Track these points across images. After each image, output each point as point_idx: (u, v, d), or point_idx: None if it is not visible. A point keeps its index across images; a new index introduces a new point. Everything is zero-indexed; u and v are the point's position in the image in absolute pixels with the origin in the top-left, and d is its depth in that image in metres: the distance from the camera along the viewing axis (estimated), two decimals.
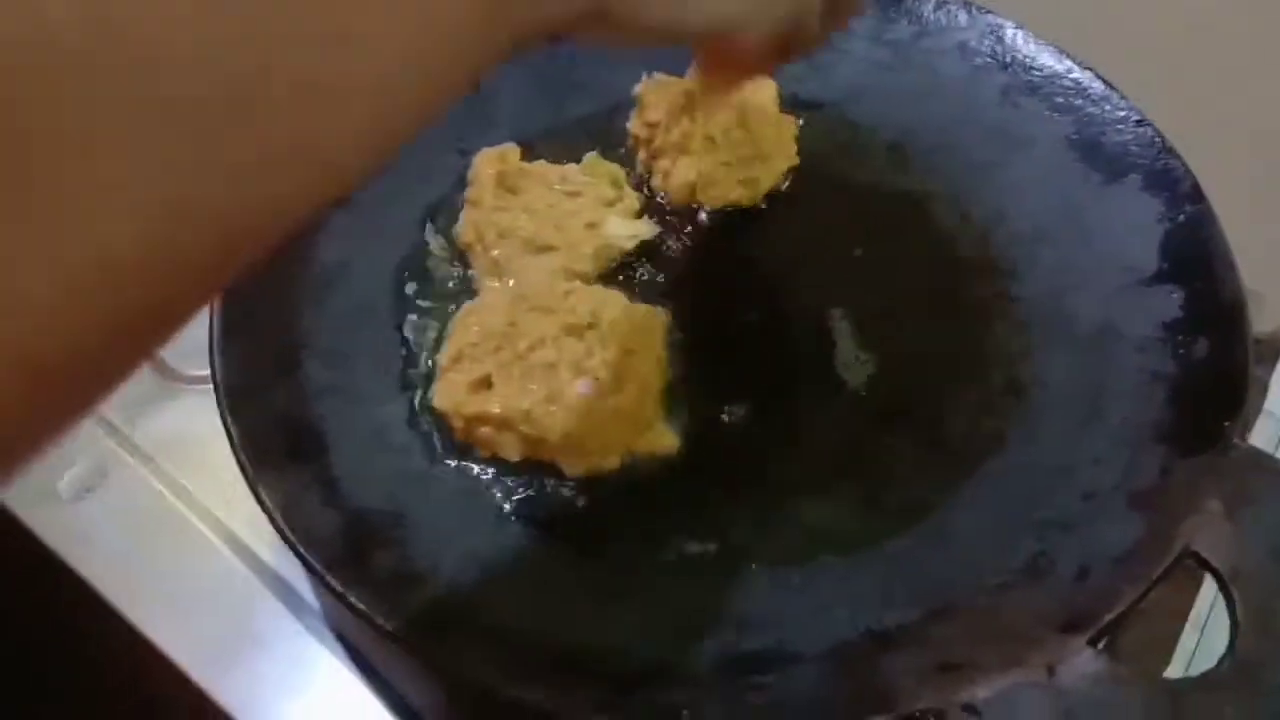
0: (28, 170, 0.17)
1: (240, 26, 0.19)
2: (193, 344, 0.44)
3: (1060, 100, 0.53)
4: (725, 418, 0.45)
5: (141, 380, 0.54)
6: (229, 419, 0.41)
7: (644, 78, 0.54)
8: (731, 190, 0.52)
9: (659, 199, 0.53)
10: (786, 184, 0.54)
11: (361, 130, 0.22)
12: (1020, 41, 0.55)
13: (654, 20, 0.29)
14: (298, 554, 0.38)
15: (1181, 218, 0.47)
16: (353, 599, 0.37)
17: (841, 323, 0.48)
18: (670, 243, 0.52)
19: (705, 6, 0.30)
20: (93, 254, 0.18)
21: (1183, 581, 0.55)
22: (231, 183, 0.20)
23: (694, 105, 0.52)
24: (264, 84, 0.20)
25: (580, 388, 0.44)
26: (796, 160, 0.54)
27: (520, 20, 0.25)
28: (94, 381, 0.21)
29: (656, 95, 0.53)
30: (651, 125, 0.53)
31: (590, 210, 0.51)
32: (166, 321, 0.21)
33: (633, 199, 0.53)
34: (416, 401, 0.46)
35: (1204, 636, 0.61)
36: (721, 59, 0.41)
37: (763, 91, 0.54)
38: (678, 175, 0.52)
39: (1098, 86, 0.53)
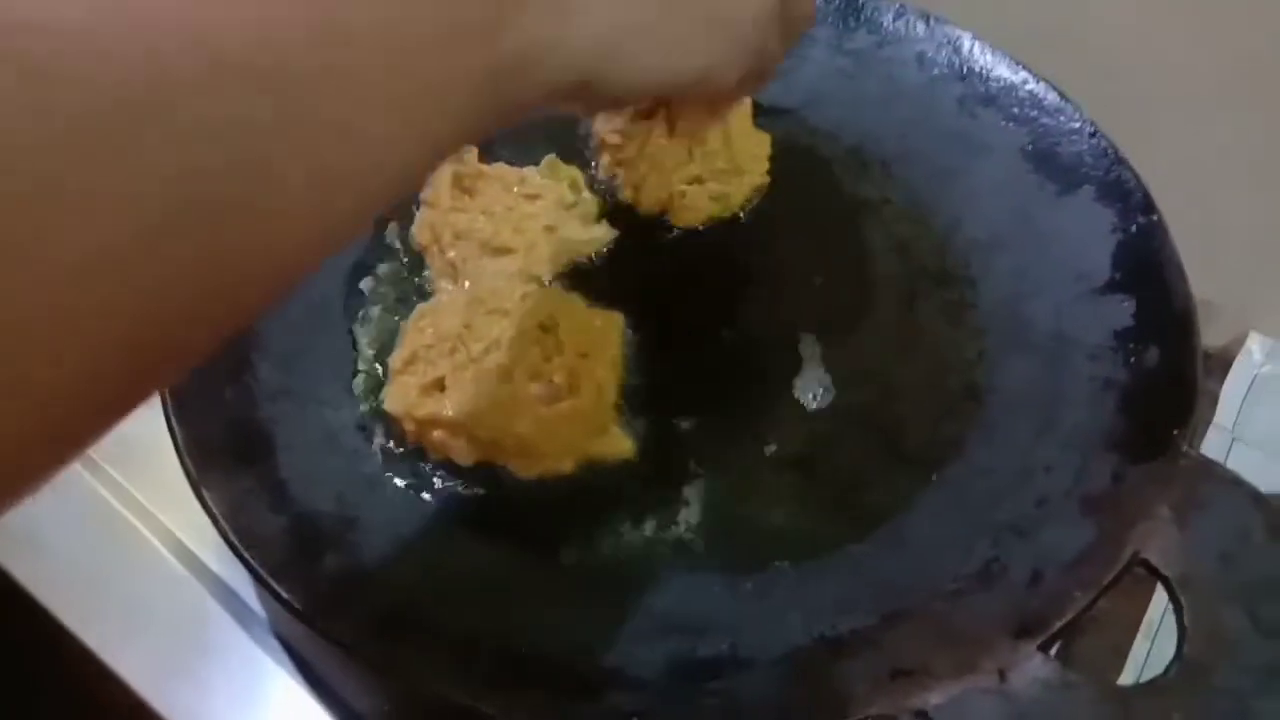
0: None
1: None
2: None
3: (1016, 111, 0.54)
4: (681, 423, 0.45)
5: None
6: (174, 422, 0.40)
7: None
8: (703, 208, 0.52)
9: (622, 204, 0.53)
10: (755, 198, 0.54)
11: (349, 208, 0.23)
12: (978, 52, 0.56)
13: (638, 86, 0.31)
14: (241, 558, 0.37)
15: (1134, 228, 0.48)
16: (298, 604, 0.36)
17: (804, 332, 0.48)
18: (630, 247, 0.51)
19: (682, 65, 0.32)
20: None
21: (1135, 591, 0.56)
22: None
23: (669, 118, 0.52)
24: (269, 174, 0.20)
25: (534, 391, 0.43)
26: (768, 178, 0.53)
27: (508, 102, 0.27)
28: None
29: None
30: (624, 135, 0.52)
31: (548, 213, 0.51)
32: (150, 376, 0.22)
33: (591, 203, 0.52)
34: (368, 405, 0.45)
35: (1155, 645, 0.62)
36: (697, 104, 0.43)
37: (740, 104, 0.54)
38: (649, 192, 0.52)
39: (1053, 98, 0.53)
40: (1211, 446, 0.72)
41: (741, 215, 0.53)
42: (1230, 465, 0.69)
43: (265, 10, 0.20)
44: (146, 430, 0.48)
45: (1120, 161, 0.50)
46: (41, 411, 0.19)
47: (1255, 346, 0.77)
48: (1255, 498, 0.39)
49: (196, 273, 0.20)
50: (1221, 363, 0.76)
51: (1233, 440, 0.73)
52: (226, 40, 0.19)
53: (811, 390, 0.46)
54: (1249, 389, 0.75)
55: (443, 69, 0.24)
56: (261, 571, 0.37)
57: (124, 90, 0.18)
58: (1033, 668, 0.34)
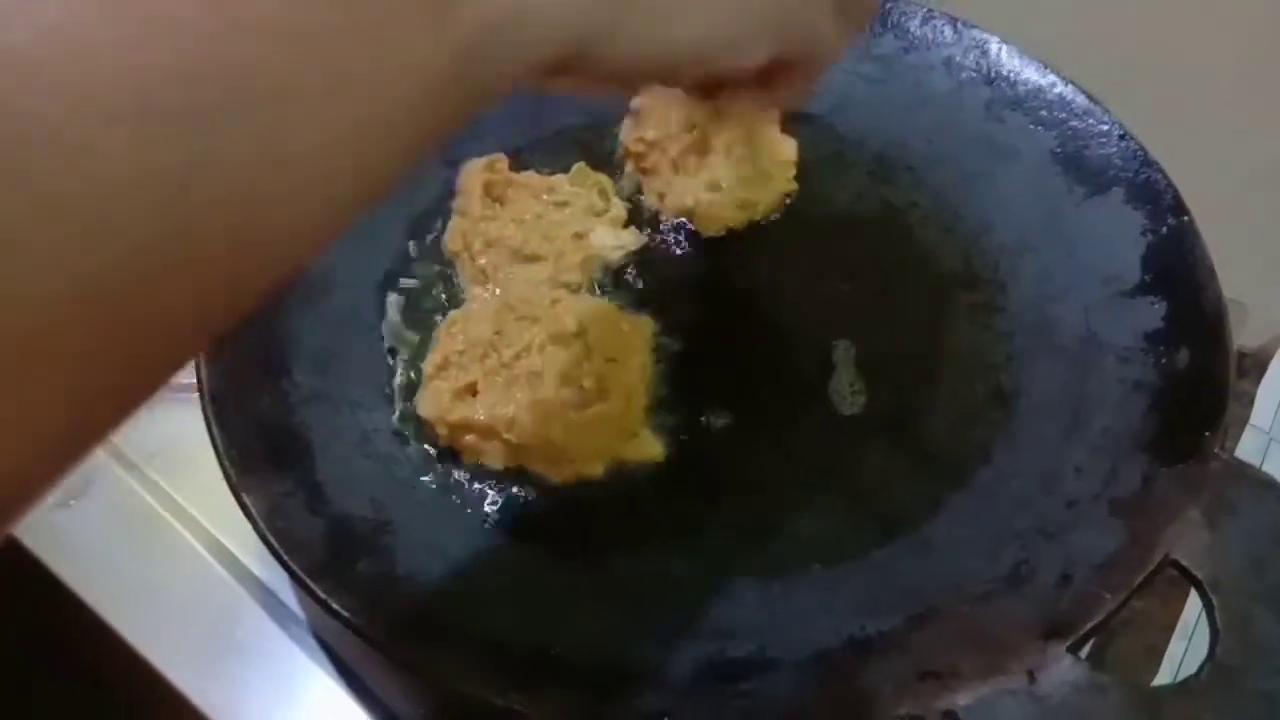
0: None
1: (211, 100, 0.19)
2: None
3: (1044, 114, 0.54)
4: (711, 428, 0.45)
5: None
6: (214, 426, 0.41)
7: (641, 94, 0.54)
8: (728, 216, 0.52)
9: (649, 211, 0.53)
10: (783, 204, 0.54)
11: (319, 201, 0.21)
12: (1005, 56, 0.56)
13: (631, 59, 0.27)
14: (281, 560, 0.38)
15: (1164, 230, 0.48)
16: (336, 605, 0.37)
17: (832, 337, 0.48)
18: (658, 253, 0.52)
19: (684, 35, 0.28)
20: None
21: (1170, 592, 0.55)
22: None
23: (696, 124, 0.52)
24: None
25: (564, 396, 0.44)
26: (795, 186, 0.54)
27: (484, 81, 0.24)
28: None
29: (657, 111, 0.53)
30: (648, 142, 0.53)
31: (578, 220, 0.51)
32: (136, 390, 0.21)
33: (620, 209, 0.53)
34: (402, 409, 0.46)
35: (1191, 645, 0.61)
36: (716, 93, 0.37)
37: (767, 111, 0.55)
38: (673, 199, 0.52)
39: (1081, 100, 0.53)
40: (1248, 448, 0.71)
41: (769, 221, 0.53)
42: (1268, 466, 0.69)
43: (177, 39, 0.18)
44: (187, 433, 0.49)
45: (1150, 163, 0.50)
46: None
47: None
48: None
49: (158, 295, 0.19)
50: (1258, 363, 0.75)
51: (1270, 441, 0.72)
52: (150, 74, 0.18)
53: (840, 395, 0.47)
54: None
55: (394, 56, 0.21)
56: (300, 573, 0.38)
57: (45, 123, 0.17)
58: (1062, 669, 0.34)
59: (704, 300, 0.50)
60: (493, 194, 0.52)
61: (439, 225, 0.52)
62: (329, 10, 0.20)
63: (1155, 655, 0.57)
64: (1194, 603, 0.54)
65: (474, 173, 0.52)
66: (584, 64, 0.26)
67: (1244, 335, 0.72)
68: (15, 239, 0.17)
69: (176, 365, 0.21)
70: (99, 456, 0.51)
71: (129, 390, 0.20)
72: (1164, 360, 0.44)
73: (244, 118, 0.19)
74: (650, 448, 0.44)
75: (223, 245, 0.20)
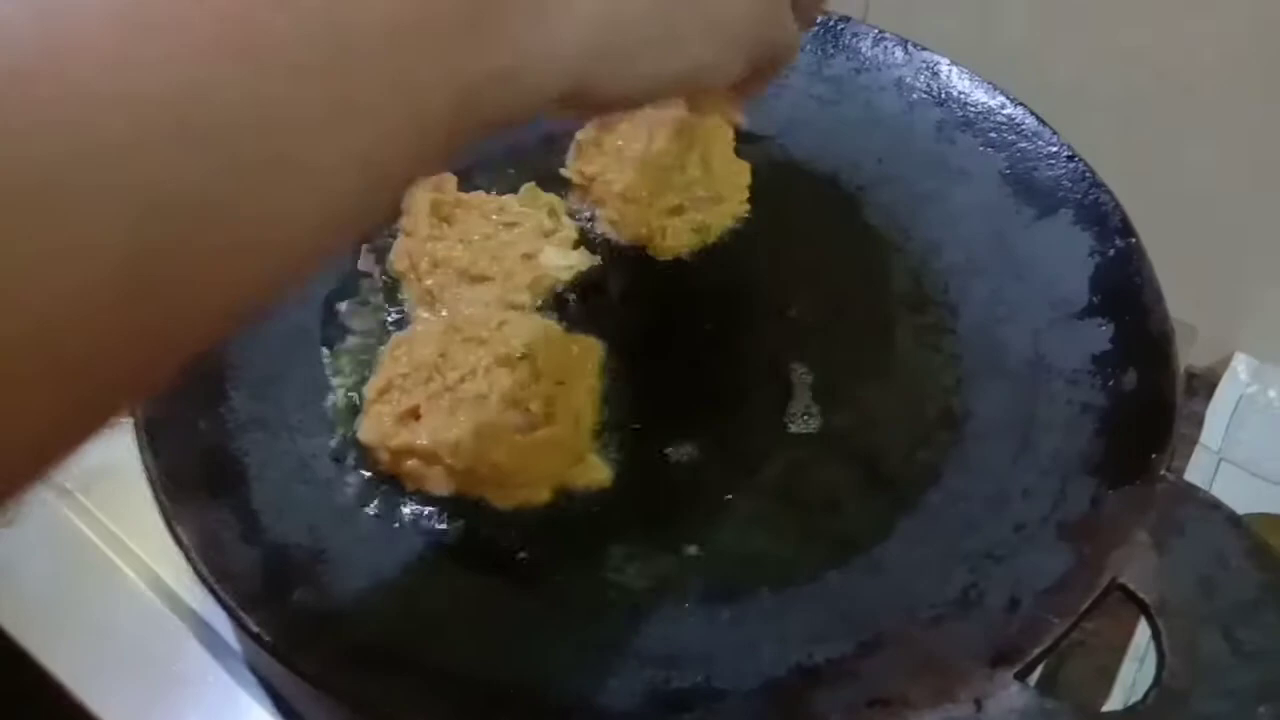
0: None
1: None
2: None
3: (994, 135, 0.54)
4: (659, 451, 0.45)
5: None
6: (147, 452, 0.40)
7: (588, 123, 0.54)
8: (684, 238, 0.52)
9: (599, 234, 0.53)
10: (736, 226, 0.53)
11: (316, 225, 0.22)
12: (955, 78, 0.56)
13: (635, 88, 0.29)
14: (213, 591, 0.37)
15: (1111, 252, 0.48)
16: (270, 638, 0.36)
17: (781, 358, 0.48)
18: (609, 274, 0.51)
19: (682, 63, 0.30)
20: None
21: (1122, 613, 0.55)
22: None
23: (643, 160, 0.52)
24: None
25: (511, 420, 0.43)
26: (748, 208, 0.54)
27: (485, 119, 0.24)
28: None
29: (595, 146, 0.53)
30: (588, 176, 0.53)
31: (527, 241, 0.51)
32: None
33: (570, 229, 0.52)
34: (342, 434, 0.45)
35: (1143, 667, 0.61)
36: (701, 98, 0.41)
37: (722, 133, 0.55)
38: (625, 224, 0.52)
39: (1030, 122, 0.54)
40: (1198, 467, 0.72)
41: (722, 243, 0.53)
42: (1217, 485, 0.70)
43: (193, 61, 0.19)
44: (119, 458, 0.48)
45: (1098, 185, 0.51)
46: None
47: (1240, 367, 0.77)
48: (1233, 521, 0.39)
49: (145, 325, 0.19)
50: (1207, 383, 0.76)
51: (1219, 461, 0.73)
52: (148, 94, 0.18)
53: (792, 416, 0.46)
54: (1235, 410, 0.76)
55: (410, 88, 0.22)
56: (232, 604, 0.37)
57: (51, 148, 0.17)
58: (1009, 696, 0.34)
59: (655, 322, 0.50)
60: (440, 214, 0.51)
61: (384, 245, 0.51)
62: (338, 49, 0.21)
63: (1107, 677, 0.57)
64: (1145, 625, 0.55)
65: (421, 192, 0.51)
66: (581, 100, 0.27)
67: (1192, 355, 0.73)
68: (13, 245, 0.17)
69: (164, 376, 0.21)
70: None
71: (119, 396, 0.21)
72: (1112, 382, 0.44)
73: (249, 143, 0.19)
74: (598, 472, 0.44)
75: (218, 263, 0.20)
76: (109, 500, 0.49)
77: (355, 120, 0.21)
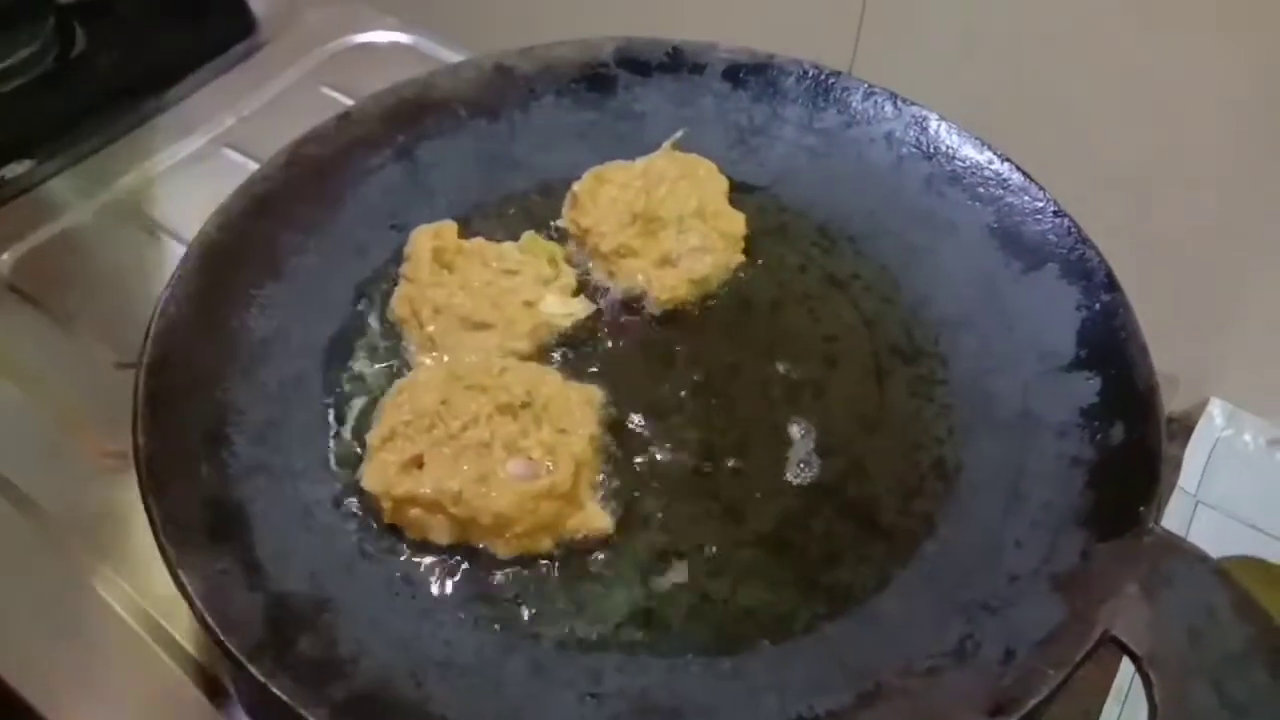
0: None
1: None
2: (117, 418, 0.43)
3: (982, 190, 0.55)
4: (659, 499, 0.45)
5: (61, 454, 0.52)
6: (151, 500, 0.40)
7: (583, 175, 0.55)
8: (680, 292, 0.53)
9: (598, 284, 0.54)
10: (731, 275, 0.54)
11: None
12: (944, 133, 0.58)
13: None
14: (216, 641, 0.37)
15: (1097, 306, 0.49)
16: (274, 688, 0.36)
17: (777, 409, 0.49)
18: (609, 322, 0.52)
19: None
20: None
21: (1104, 656, 0.57)
22: None
23: (638, 215, 0.53)
24: None
25: (512, 468, 0.43)
26: (743, 258, 0.55)
27: None
28: None
29: (590, 198, 0.54)
30: (583, 228, 0.54)
31: (527, 288, 0.51)
32: None
33: (570, 276, 0.53)
34: (345, 482, 0.45)
35: (1125, 710, 0.62)
36: None
37: (717, 183, 0.56)
38: (621, 279, 0.53)
39: (1017, 178, 0.55)
40: (1176, 510, 0.73)
41: (718, 292, 0.54)
42: (1194, 528, 0.71)
43: None
44: (121, 503, 0.48)
45: (1083, 240, 0.52)
46: None
47: (1216, 411, 0.79)
48: (1220, 573, 0.40)
49: None
50: (1184, 428, 0.78)
51: (1197, 503, 0.74)
52: None
53: (787, 467, 0.47)
54: (1211, 453, 0.77)
55: None
56: (236, 653, 0.37)
57: None
58: None
59: (653, 371, 0.50)
60: (441, 260, 0.51)
61: (386, 291, 0.52)
62: None
63: (1090, 719, 0.58)
64: (1127, 666, 0.55)
65: (423, 239, 0.52)
66: None
67: (1170, 401, 0.75)
68: None
69: None
70: (28, 528, 0.49)
71: None
72: (1099, 435, 0.45)
73: None
74: (598, 520, 0.44)
75: None
76: (106, 546, 0.49)
77: None
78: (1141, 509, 0.41)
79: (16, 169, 0.67)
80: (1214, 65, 0.61)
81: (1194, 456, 0.76)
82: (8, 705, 0.43)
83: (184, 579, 0.38)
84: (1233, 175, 0.64)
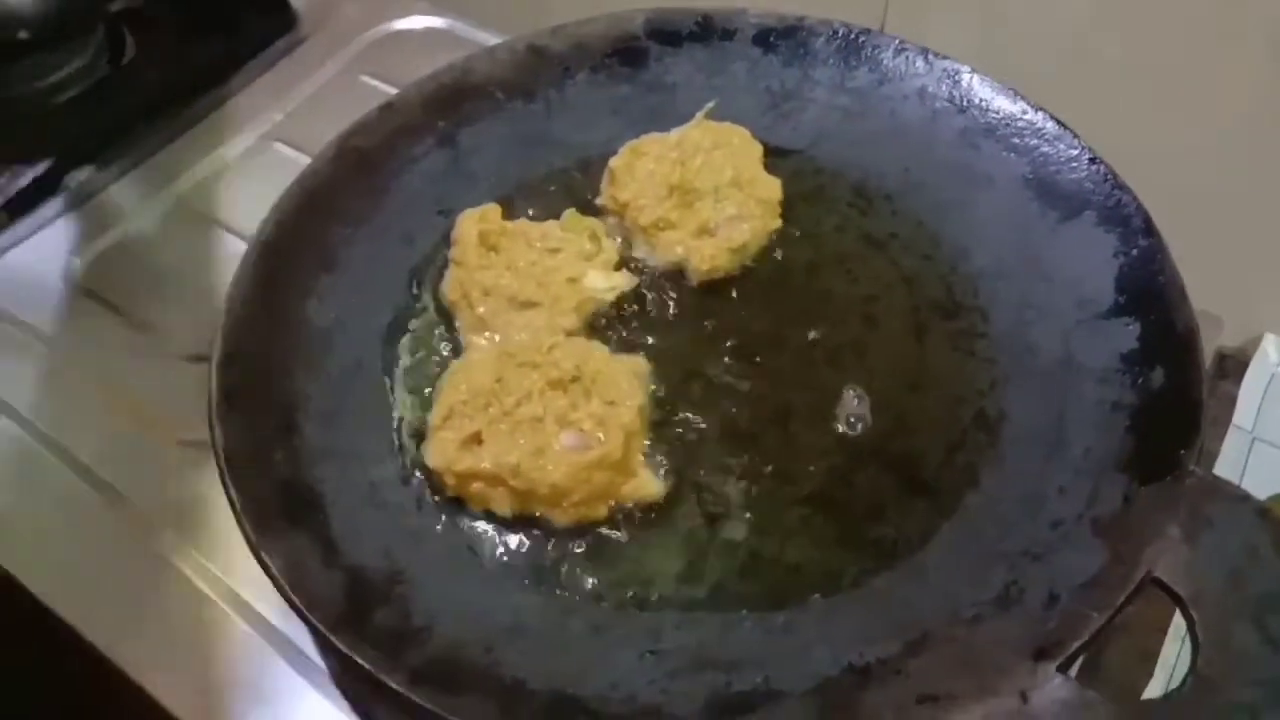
0: None
1: None
2: (190, 408, 0.46)
3: (1016, 141, 0.56)
4: (706, 464, 0.47)
5: (140, 445, 0.55)
6: (231, 487, 0.43)
7: (620, 150, 0.56)
8: (720, 260, 0.54)
9: (639, 259, 0.55)
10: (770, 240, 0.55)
11: None
12: (976, 85, 0.58)
13: None
14: (302, 616, 0.39)
15: (1135, 252, 0.50)
16: (358, 658, 0.38)
17: (821, 369, 0.50)
18: (651, 294, 0.54)
19: None
20: None
21: (1160, 596, 0.57)
22: None
23: (674, 187, 0.54)
24: None
25: (565, 440, 0.45)
26: (780, 223, 0.56)
27: None
28: None
29: (628, 173, 0.55)
30: (621, 202, 0.55)
31: (570, 265, 0.53)
32: None
33: (612, 251, 0.54)
34: (409, 460, 0.47)
35: (1183, 649, 0.63)
36: None
37: (751, 150, 0.57)
38: (661, 252, 0.54)
39: (1051, 127, 0.55)
40: (1231, 447, 0.73)
41: (757, 258, 0.55)
42: (1251, 464, 0.71)
43: None
44: (202, 489, 0.51)
45: (1120, 186, 0.52)
46: None
47: (1270, 348, 0.78)
48: (1261, 512, 0.40)
49: None
50: (1238, 364, 0.77)
51: (1253, 440, 0.74)
52: None
53: (833, 426, 0.48)
54: (1266, 389, 0.77)
55: None
56: (321, 628, 0.39)
57: None
58: (1052, 689, 0.36)
59: (697, 339, 0.52)
60: (487, 243, 0.53)
61: (437, 276, 0.54)
62: None
63: (1149, 659, 0.59)
64: None
65: (469, 222, 0.54)
66: None
67: (1222, 338, 0.74)
68: None
69: None
70: (114, 515, 0.52)
71: None
72: (1140, 380, 0.46)
73: None
74: (650, 486, 0.46)
75: None
76: (190, 528, 0.52)
77: None
78: (1182, 452, 0.42)
79: (79, 175, 0.70)
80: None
81: (1249, 393, 0.75)
82: (106, 681, 0.47)
83: (266, 559, 0.41)
84: (1272, 110, 0.63)
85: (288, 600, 0.40)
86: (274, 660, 0.47)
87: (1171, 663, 0.59)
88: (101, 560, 0.51)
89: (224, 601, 0.49)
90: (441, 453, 0.46)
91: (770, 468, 0.47)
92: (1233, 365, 0.77)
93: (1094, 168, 0.53)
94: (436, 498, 0.46)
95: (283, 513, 0.43)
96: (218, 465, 0.43)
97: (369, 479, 0.47)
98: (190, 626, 0.49)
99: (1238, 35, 0.60)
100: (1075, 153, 0.54)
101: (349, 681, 0.46)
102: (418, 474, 0.47)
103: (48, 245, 0.67)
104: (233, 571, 0.50)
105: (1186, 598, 0.38)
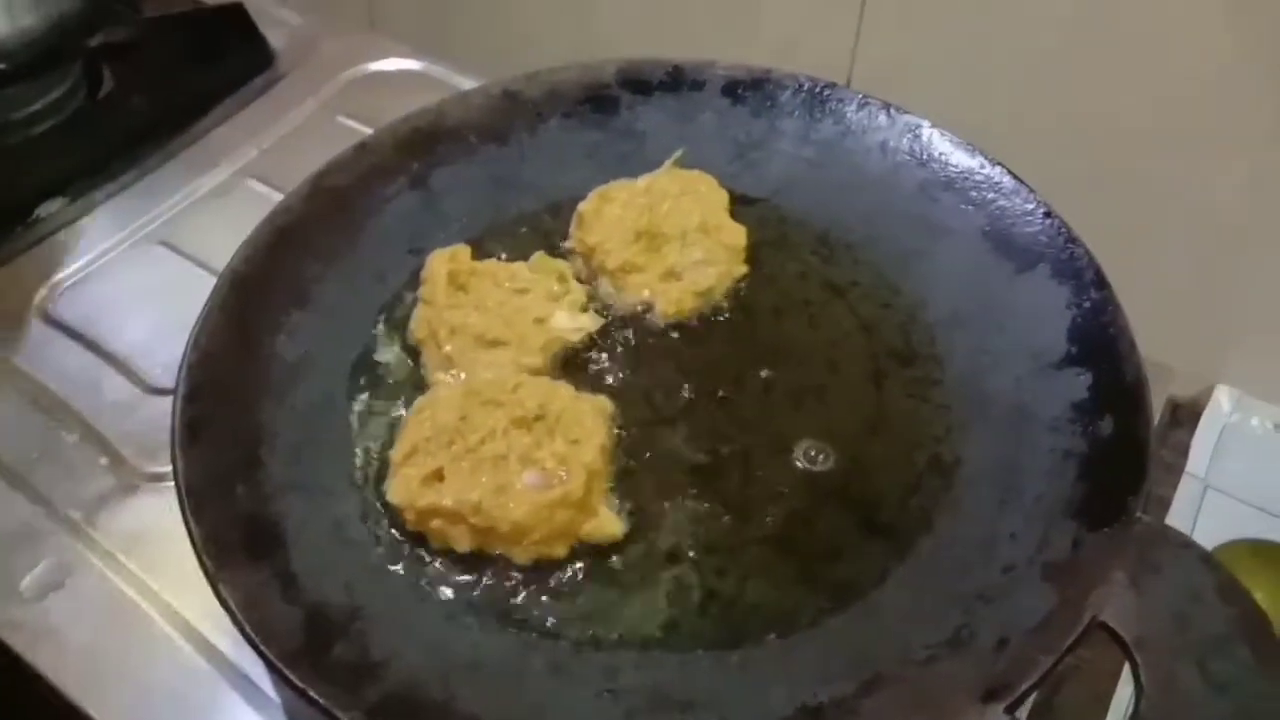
0: None
1: None
2: (153, 441, 0.46)
3: (974, 194, 0.57)
4: (668, 504, 0.48)
5: (101, 478, 0.55)
6: (191, 520, 0.43)
7: (589, 194, 0.58)
8: (685, 304, 0.55)
9: (605, 300, 0.56)
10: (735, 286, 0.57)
11: None
12: (936, 139, 0.59)
13: None
14: (258, 650, 0.39)
15: (1087, 304, 0.51)
16: (312, 693, 0.38)
17: (781, 413, 0.51)
18: (617, 335, 0.55)
19: None
20: None
21: (1112, 641, 0.58)
22: None
23: (642, 233, 0.55)
24: None
25: (528, 479, 0.46)
26: (746, 269, 0.57)
27: None
28: None
29: (596, 217, 0.57)
30: (590, 246, 0.56)
31: (538, 306, 0.54)
32: None
33: (579, 293, 0.55)
34: (371, 495, 0.47)
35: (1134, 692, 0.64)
36: None
37: (718, 198, 0.58)
38: (628, 294, 0.55)
39: (1008, 181, 0.57)
40: (1185, 495, 0.74)
41: (722, 303, 0.56)
42: (1204, 512, 0.72)
43: None
44: (162, 522, 0.51)
45: (1073, 240, 0.53)
46: None
47: (1223, 398, 0.80)
48: (1205, 558, 0.41)
49: None
50: (1192, 414, 0.79)
51: (1206, 488, 0.75)
52: None
53: (790, 469, 0.49)
54: (1219, 438, 0.78)
55: None
56: (276, 661, 0.39)
57: None
58: None
59: (661, 381, 0.53)
60: (456, 282, 0.54)
61: (406, 314, 0.54)
62: None
63: (1102, 702, 0.60)
64: None
65: (439, 262, 0.54)
66: None
67: (1175, 387, 0.76)
68: None
69: None
70: (74, 547, 0.52)
71: None
72: (1090, 429, 0.47)
73: None
74: (611, 525, 0.47)
75: None
76: (149, 562, 0.52)
77: None
78: (1130, 499, 0.43)
79: (50, 207, 0.70)
80: (1213, 44, 0.62)
81: (1202, 442, 0.77)
82: (65, 716, 0.46)
83: (224, 593, 0.41)
84: (1233, 164, 0.66)
85: (243, 633, 0.40)
86: (230, 697, 0.47)
87: (1124, 706, 0.60)
88: (61, 592, 0.51)
89: (181, 636, 0.49)
90: (403, 489, 0.46)
91: (730, 508, 0.47)
92: (1186, 414, 0.79)
93: (1048, 221, 0.55)
94: (397, 534, 0.46)
95: (243, 547, 0.43)
96: (179, 498, 0.43)
97: (332, 514, 0.47)
98: (147, 660, 0.48)
99: (1197, 99, 0.63)
100: (1031, 207, 0.55)
101: (303, 716, 0.46)
102: (380, 509, 0.47)
103: (18, 276, 0.67)
104: (190, 605, 0.50)
105: (1131, 641, 0.39)
